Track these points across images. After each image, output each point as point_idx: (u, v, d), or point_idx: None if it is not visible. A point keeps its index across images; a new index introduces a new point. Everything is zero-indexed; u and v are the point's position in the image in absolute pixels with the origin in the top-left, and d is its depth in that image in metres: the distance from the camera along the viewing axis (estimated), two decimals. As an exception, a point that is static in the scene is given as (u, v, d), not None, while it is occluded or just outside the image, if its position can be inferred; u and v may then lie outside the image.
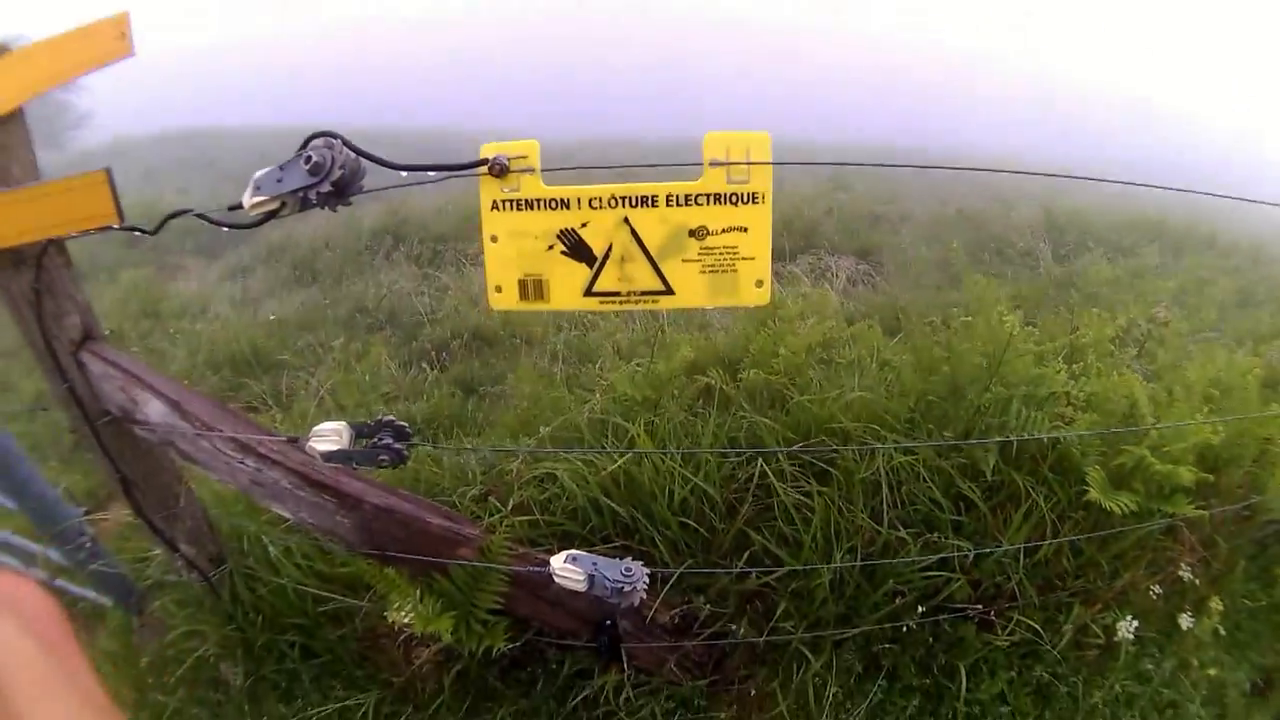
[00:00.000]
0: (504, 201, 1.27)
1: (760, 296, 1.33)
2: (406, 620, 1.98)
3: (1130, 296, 4.11)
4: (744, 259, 1.30)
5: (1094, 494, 2.15)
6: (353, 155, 1.23)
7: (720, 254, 1.30)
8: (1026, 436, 2.12)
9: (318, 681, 2.51)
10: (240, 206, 1.32)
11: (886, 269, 4.58)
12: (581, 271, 1.32)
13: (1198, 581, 2.56)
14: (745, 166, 1.22)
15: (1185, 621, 2.53)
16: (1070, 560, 2.30)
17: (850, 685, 2.16)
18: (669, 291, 1.34)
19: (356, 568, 2.30)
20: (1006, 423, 2.15)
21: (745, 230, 1.28)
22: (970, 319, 2.17)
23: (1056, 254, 5.40)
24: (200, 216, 1.58)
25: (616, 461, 1.97)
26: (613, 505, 2.02)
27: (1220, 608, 2.61)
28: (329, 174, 1.19)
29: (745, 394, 2.10)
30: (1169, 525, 2.48)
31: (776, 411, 2.09)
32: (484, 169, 1.23)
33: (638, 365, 2.26)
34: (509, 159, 1.23)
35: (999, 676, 2.27)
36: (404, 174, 1.27)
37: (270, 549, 2.49)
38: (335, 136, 1.23)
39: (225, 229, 1.55)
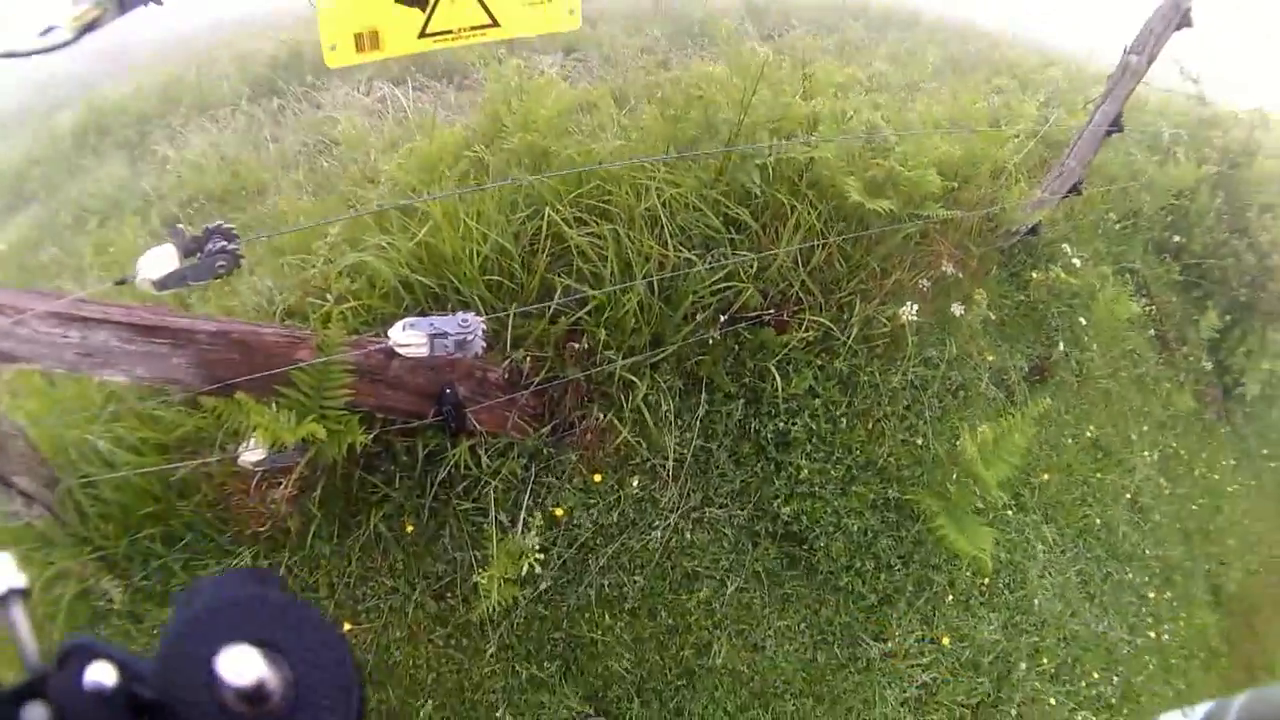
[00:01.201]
0: None
1: (573, 21, 1.54)
2: (261, 455, 1.99)
3: (847, 64, 4.49)
4: None
5: (856, 196, 2.48)
6: None
7: None
8: (782, 155, 2.42)
9: (189, 567, 2.46)
10: (51, 29, 1.25)
11: (593, 63, 4.80)
12: (415, 16, 1.45)
13: (960, 276, 3.00)
14: None
15: (957, 309, 2.96)
16: (842, 265, 2.65)
17: (677, 403, 2.42)
18: (495, 24, 1.51)
19: (194, 424, 2.28)
20: (760, 151, 2.44)
21: None
22: (711, 69, 2.43)
23: (762, 34, 5.72)
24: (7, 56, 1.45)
25: (416, 236, 2.10)
26: (421, 279, 2.15)
27: (984, 299, 3.07)
28: None
29: (512, 161, 2.27)
30: (924, 229, 2.89)
31: (543, 170, 2.28)
32: None
33: (409, 151, 2.37)
34: None
35: (804, 373, 2.61)
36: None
37: (100, 444, 2.39)
38: None
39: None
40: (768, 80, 2.50)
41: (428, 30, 1.49)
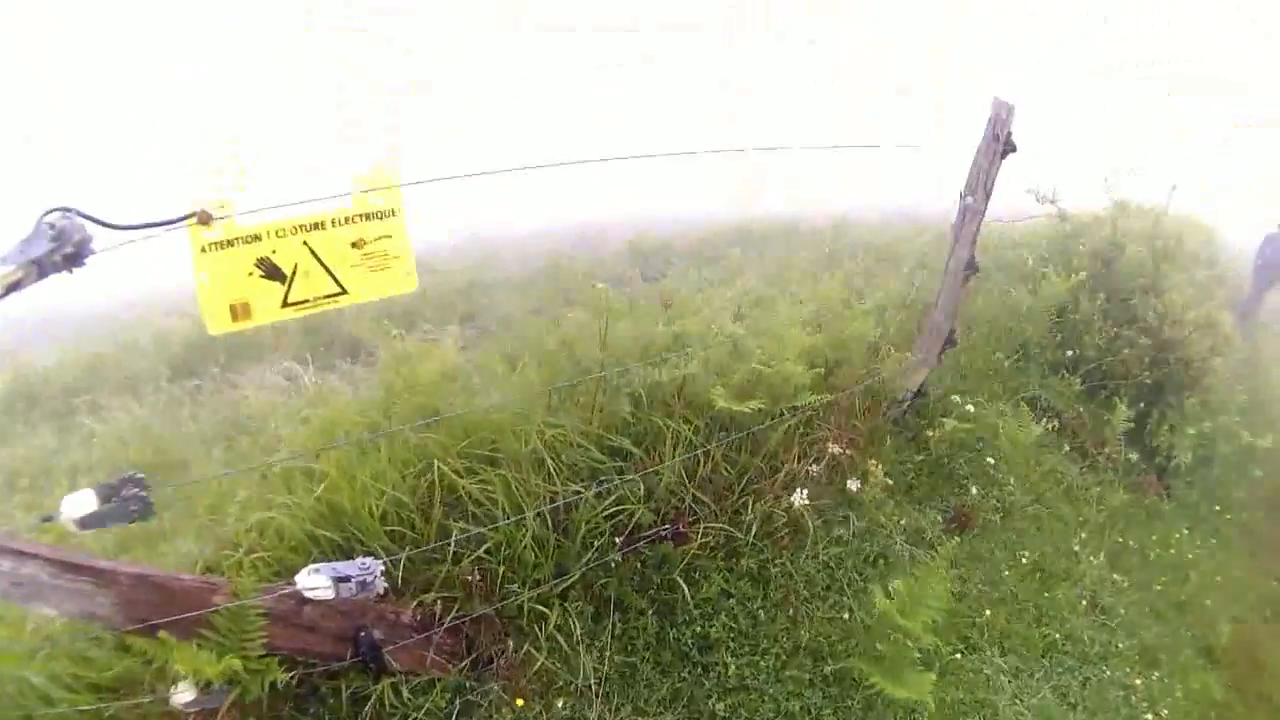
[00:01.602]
0: (210, 244, 1.70)
1: (410, 284, 1.89)
2: (191, 696, 2.14)
3: (721, 288, 4.97)
4: (394, 258, 1.86)
5: (721, 403, 2.79)
6: (83, 222, 1.56)
7: (377, 258, 1.84)
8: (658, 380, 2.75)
9: (124, 811, 2.51)
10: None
11: (490, 328, 5.25)
12: (278, 288, 1.78)
13: (850, 454, 3.27)
14: (383, 190, 1.80)
15: (853, 486, 3.20)
16: (730, 470, 2.92)
17: (590, 625, 2.59)
18: (344, 291, 1.85)
19: (125, 665, 2.42)
20: (630, 381, 2.78)
21: (390, 237, 1.85)
22: (572, 315, 2.82)
23: (646, 276, 6.30)
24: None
25: (314, 492, 2.38)
26: (326, 534, 2.40)
27: (881, 470, 3.31)
28: (71, 237, 1.52)
29: (403, 421, 2.59)
30: (807, 418, 3.18)
31: (434, 428, 2.60)
32: (193, 219, 1.66)
33: (309, 418, 2.69)
34: (212, 211, 1.68)
35: (713, 578, 2.80)
36: (133, 233, 1.62)
37: (36, 680, 2.50)
38: (69, 209, 1.55)
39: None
40: (633, 315, 2.89)
41: (289, 300, 1.79)
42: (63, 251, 1.50)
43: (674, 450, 2.77)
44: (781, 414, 3.03)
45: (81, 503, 1.76)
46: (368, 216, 1.82)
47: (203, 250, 1.70)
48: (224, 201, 1.71)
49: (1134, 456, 5.02)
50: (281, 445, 2.66)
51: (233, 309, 1.76)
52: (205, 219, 1.68)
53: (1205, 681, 4.00)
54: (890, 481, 3.37)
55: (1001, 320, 4.73)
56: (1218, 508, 5.30)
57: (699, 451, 2.81)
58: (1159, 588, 4.34)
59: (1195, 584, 4.50)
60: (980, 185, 3.57)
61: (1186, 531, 4.87)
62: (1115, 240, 5.98)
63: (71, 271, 1.56)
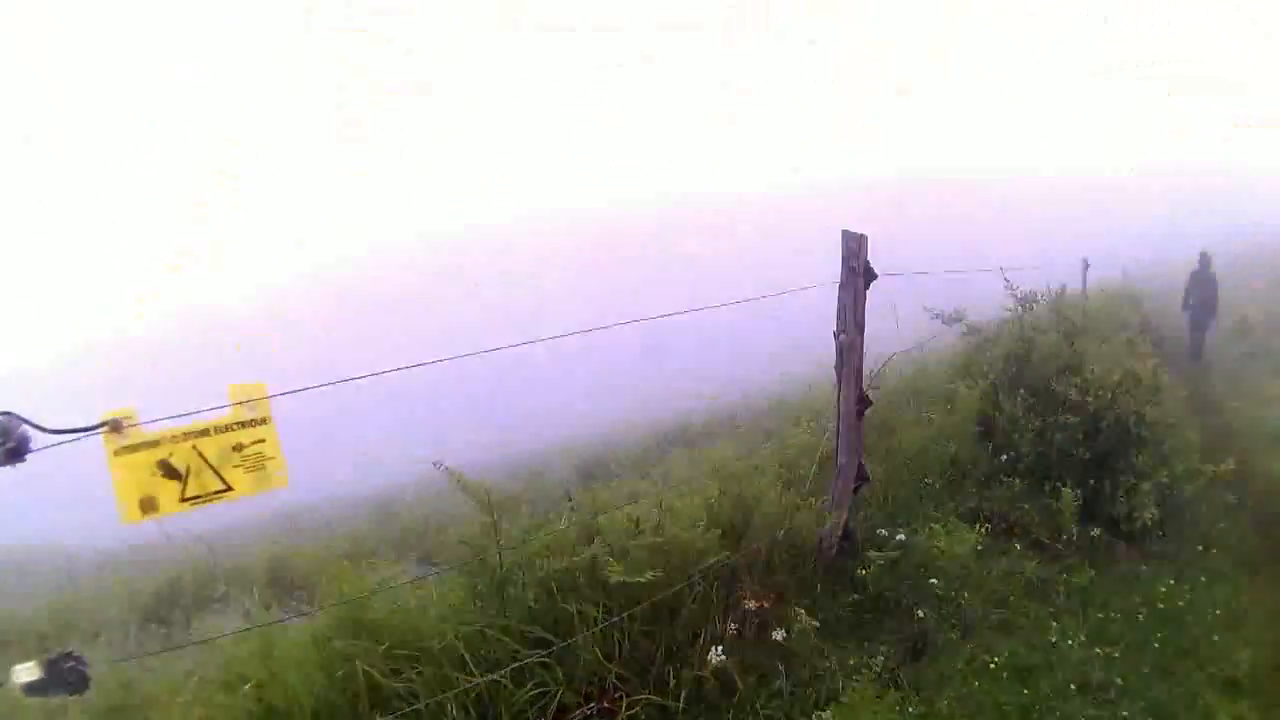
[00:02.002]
0: (121, 449, 2.03)
1: (283, 482, 2.23)
2: None
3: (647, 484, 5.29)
4: (269, 459, 2.21)
5: (616, 575, 3.05)
6: (22, 424, 1.86)
7: (254, 459, 2.18)
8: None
9: None
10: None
11: (442, 568, 5.71)
12: (176, 486, 2.09)
13: (770, 607, 3.43)
14: (254, 401, 2.20)
15: (778, 636, 3.35)
16: (650, 642, 3.13)
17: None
18: (230, 489, 2.17)
19: None
20: (537, 572, 3.10)
21: (264, 441, 2.20)
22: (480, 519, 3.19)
23: (587, 486, 6.71)
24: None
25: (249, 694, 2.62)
26: None
27: (807, 617, 3.44)
28: (12, 433, 1.82)
29: (334, 633, 2.85)
30: (727, 578, 3.40)
31: (363, 635, 2.84)
32: (106, 428, 2.00)
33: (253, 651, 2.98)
34: (121, 419, 2.03)
35: (650, 750, 2.90)
36: (60, 436, 1.90)
37: None
38: (10, 412, 1.85)
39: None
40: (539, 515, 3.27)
41: (185, 496, 2.09)
42: (6, 447, 1.80)
43: (588, 630, 3.01)
44: (692, 580, 3.29)
45: (27, 672, 2.00)
46: (244, 424, 2.17)
47: (115, 454, 2.02)
48: (128, 411, 2.03)
49: (1096, 532, 4.95)
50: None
51: (141, 503, 2.05)
52: (116, 427, 2.01)
53: (1236, 714, 3.72)
54: (817, 624, 3.48)
55: (924, 444, 4.93)
56: (1201, 547, 5.14)
57: (610, 626, 3.04)
58: (1156, 645, 4.11)
59: (1196, 626, 4.27)
60: (850, 320, 3.76)
61: (1173, 582, 4.66)
62: (1023, 335, 6.34)
63: (14, 465, 1.86)
